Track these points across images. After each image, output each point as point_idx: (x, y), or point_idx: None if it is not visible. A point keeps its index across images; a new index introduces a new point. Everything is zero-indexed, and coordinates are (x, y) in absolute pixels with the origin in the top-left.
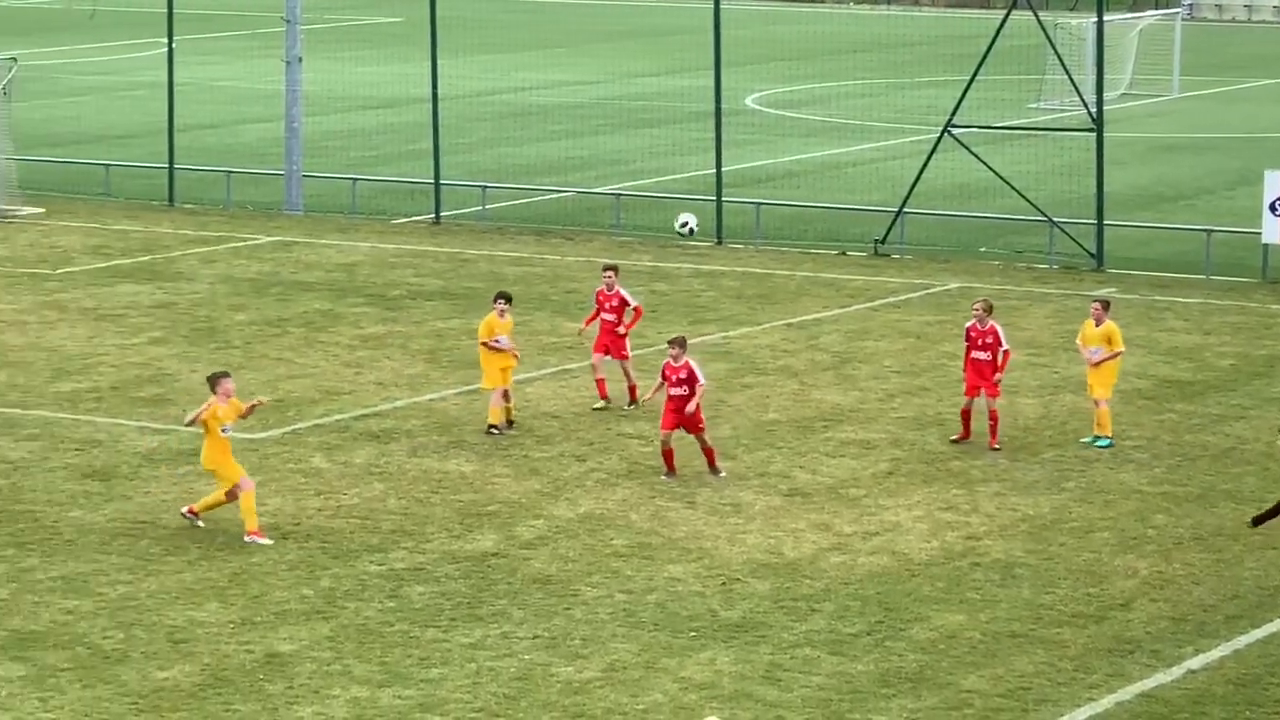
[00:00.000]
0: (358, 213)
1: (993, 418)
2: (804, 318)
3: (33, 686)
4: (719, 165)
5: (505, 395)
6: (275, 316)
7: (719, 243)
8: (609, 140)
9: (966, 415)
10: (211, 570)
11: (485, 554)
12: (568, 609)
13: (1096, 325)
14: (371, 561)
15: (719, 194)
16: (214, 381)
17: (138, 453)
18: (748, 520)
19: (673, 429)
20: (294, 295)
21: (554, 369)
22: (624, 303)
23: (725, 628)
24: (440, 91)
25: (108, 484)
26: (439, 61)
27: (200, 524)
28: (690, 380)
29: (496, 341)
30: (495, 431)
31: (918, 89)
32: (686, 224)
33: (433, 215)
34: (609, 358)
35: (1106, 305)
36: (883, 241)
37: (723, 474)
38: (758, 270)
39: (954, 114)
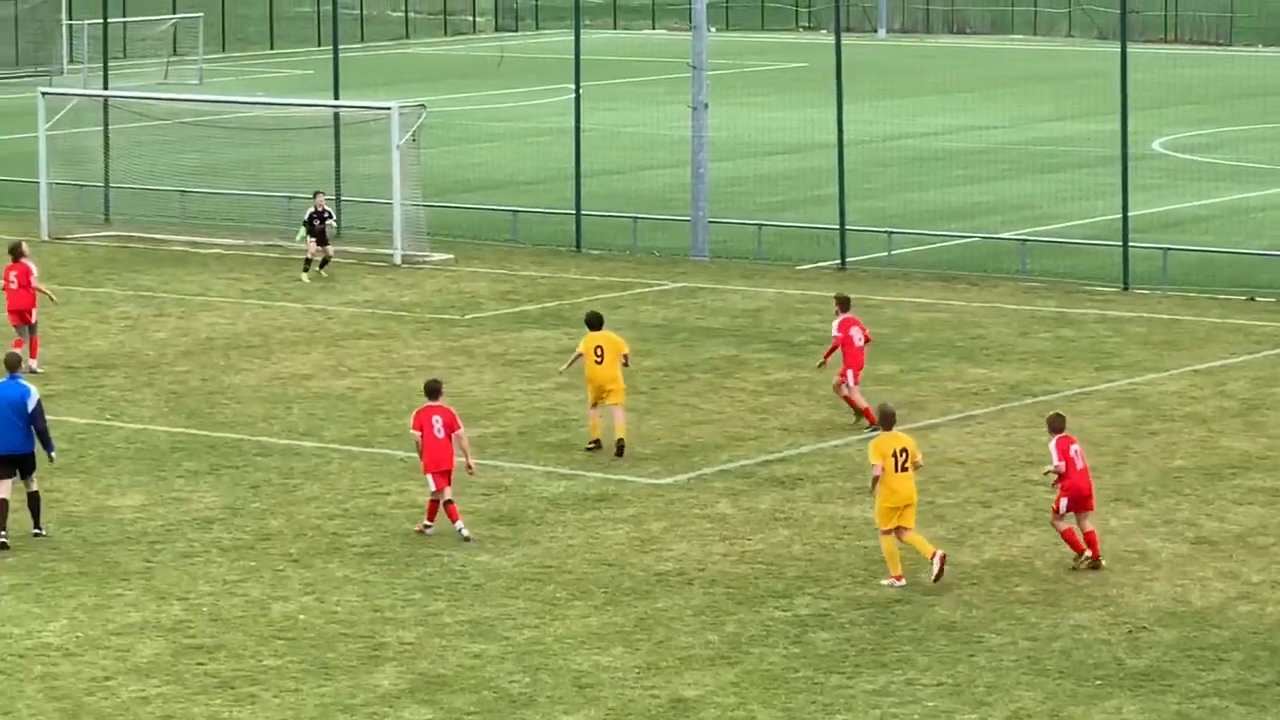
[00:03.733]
0: (763, 258)
1: None
2: (1211, 364)
3: None
4: (1125, 210)
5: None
6: (681, 362)
7: (1125, 289)
8: (1014, 185)
9: None
10: (617, 615)
11: (890, 600)
12: (972, 656)
13: None
14: (776, 607)
15: (1125, 239)
16: None
17: (544, 497)
18: (1154, 568)
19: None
20: (700, 341)
21: (959, 415)
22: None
23: (1131, 676)
24: (845, 137)
25: (514, 528)
26: (844, 107)
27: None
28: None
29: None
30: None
31: None
32: None
33: (838, 261)
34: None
35: None
36: None
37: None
38: (1164, 316)
39: None
